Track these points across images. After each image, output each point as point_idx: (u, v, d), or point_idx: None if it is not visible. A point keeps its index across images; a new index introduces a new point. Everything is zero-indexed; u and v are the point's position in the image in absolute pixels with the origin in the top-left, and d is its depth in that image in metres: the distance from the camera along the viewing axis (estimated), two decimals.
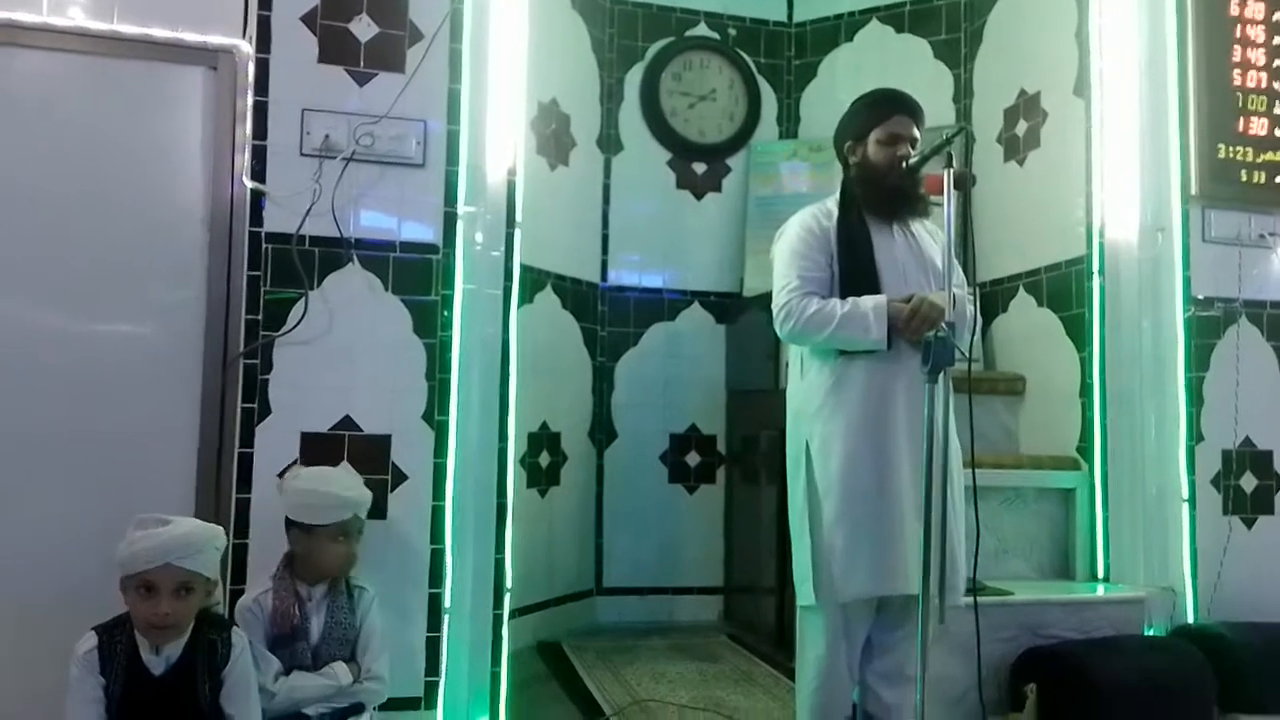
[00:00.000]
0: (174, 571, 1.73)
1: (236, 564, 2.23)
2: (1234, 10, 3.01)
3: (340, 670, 2.04)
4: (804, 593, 2.23)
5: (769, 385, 3.46)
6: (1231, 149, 2.99)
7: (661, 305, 4.03)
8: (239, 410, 2.28)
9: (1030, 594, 2.82)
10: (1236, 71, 3.01)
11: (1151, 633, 2.83)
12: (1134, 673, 2.57)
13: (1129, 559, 3.01)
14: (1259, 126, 3.02)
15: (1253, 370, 3.06)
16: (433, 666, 2.34)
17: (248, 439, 2.28)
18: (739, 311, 3.93)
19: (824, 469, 2.20)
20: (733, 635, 3.65)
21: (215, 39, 2.35)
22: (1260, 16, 3.03)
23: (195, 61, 2.39)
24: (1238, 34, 3.01)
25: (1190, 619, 2.90)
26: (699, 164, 4.14)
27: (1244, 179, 3.01)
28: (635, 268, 4.01)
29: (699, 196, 4.13)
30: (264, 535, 2.21)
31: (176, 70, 2.39)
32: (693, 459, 4.00)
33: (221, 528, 1.92)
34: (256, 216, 2.31)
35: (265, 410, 2.29)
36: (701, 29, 4.17)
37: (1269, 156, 3.03)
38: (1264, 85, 3.03)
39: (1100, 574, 3.07)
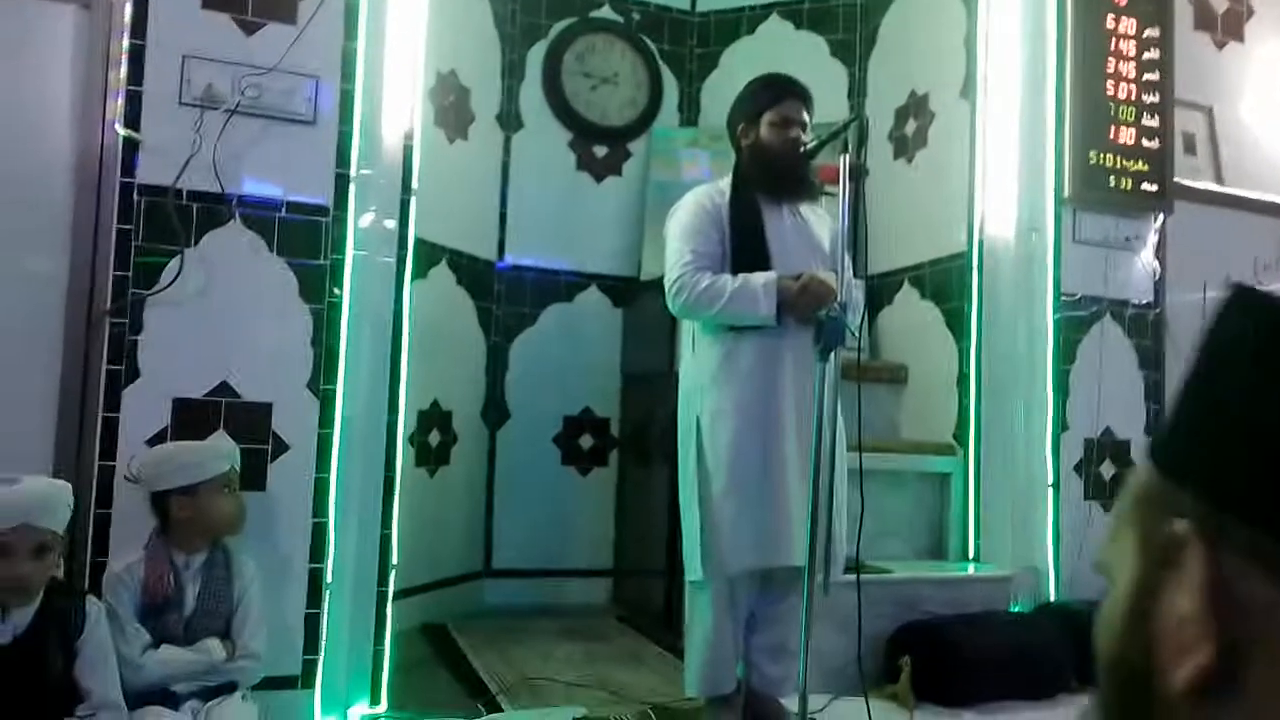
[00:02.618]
0: (30, 532, 1.62)
1: (99, 534, 2.09)
2: (1109, 25, 3.19)
3: (213, 646, 1.95)
4: (693, 567, 2.25)
5: (664, 369, 3.48)
6: (1102, 156, 3.17)
7: (558, 286, 4.00)
8: (104, 373, 2.14)
9: (907, 572, 2.93)
10: (1109, 82, 3.19)
11: (1017, 609, 2.98)
12: (1000, 647, 2.70)
13: (998, 540, 3.17)
14: (1128, 136, 3.21)
15: (1114, 365, 3.26)
16: (312, 644, 2.26)
17: (113, 403, 2.14)
18: (636, 295, 3.94)
19: (713, 444, 2.23)
20: (622, 617, 3.66)
21: None
22: (1132, 32, 3.23)
23: None
24: (1112, 47, 3.20)
25: (1052, 597, 3.07)
26: (600, 146, 4.12)
27: (1112, 184, 3.19)
28: (533, 247, 3.96)
29: (599, 179, 4.12)
30: (128, 504, 2.08)
31: (44, 8, 2.23)
32: (586, 441, 3.99)
33: (69, 484, 1.80)
34: (129, 167, 2.17)
35: (134, 373, 2.16)
36: (606, 11, 4.15)
37: (1135, 165, 3.22)
38: (1133, 97, 3.22)
39: (971, 554, 3.22)
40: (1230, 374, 0.43)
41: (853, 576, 2.27)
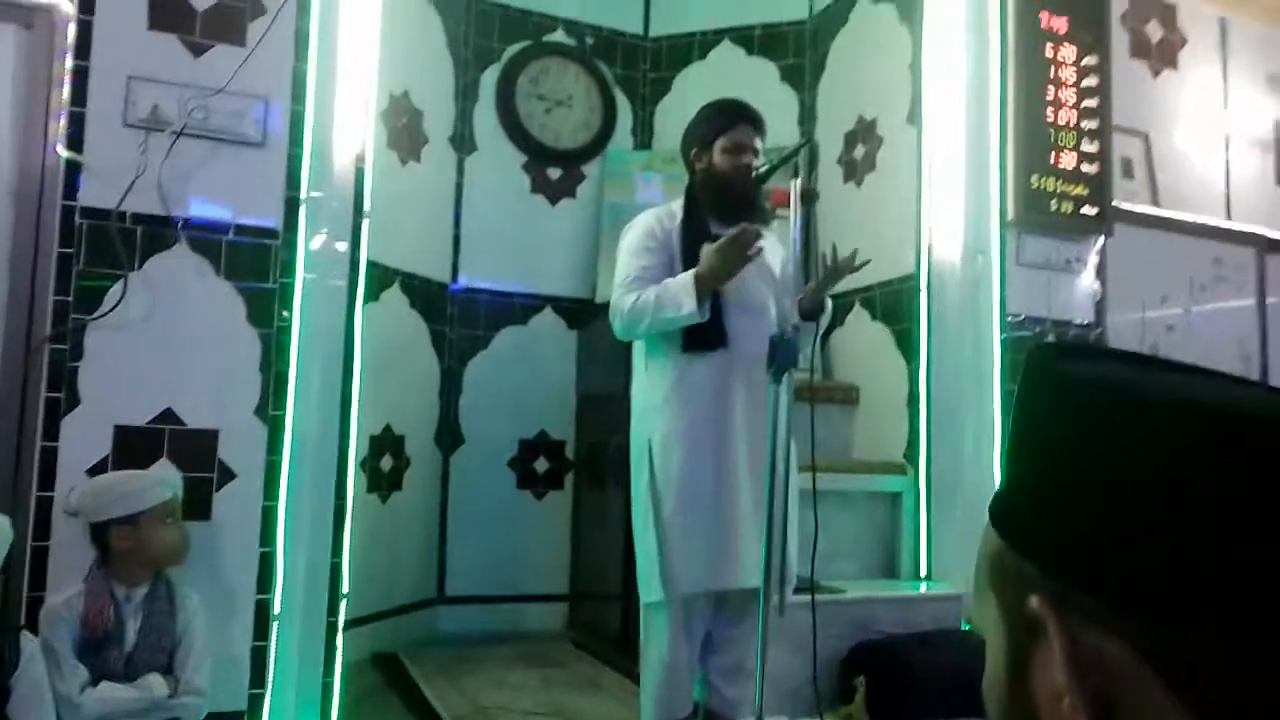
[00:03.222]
0: None
1: (36, 568, 2.03)
2: (1049, 53, 3.29)
3: (155, 682, 1.89)
4: (647, 589, 2.25)
5: (619, 391, 3.46)
6: (1044, 180, 3.26)
7: (513, 309, 3.98)
8: (42, 400, 2.08)
9: (860, 592, 2.95)
10: (1050, 109, 3.28)
11: (969, 628, 3.02)
12: (952, 666, 2.72)
13: (949, 558, 3.20)
14: (1068, 160, 3.30)
15: None
16: (258, 678, 2.21)
17: (52, 432, 2.08)
18: (591, 317, 3.94)
19: (664, 466, 2.24)
20: (578, 642, 3.63)
21: None
22: (1071, 60, 3.33)
23: (7, 19, 2.19)
24: (1051, 75, 3.29)
25: None
26: (554, 169, 4.13)
27: (1054, 208, 3.28)
28: (487, 270, 3.94)
29: (553, 201, 4.12)
30: (66, 537, 2.02)
31: None
32: (541, 465, 3.96)
33: (7, 519, 1.74)
34: (71, 190, 2.12)
35: (74, 401, 2.10)
36: (560, 35, 4.17)
37: (1075, 189, 3.31)
38: (1073, 123, 3.32)
39: (923, 573, 3.26)
40: (1043, 442, 0.42)
41: (807, 597, 2.28)
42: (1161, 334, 3.60)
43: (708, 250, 2.16)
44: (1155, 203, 3.70)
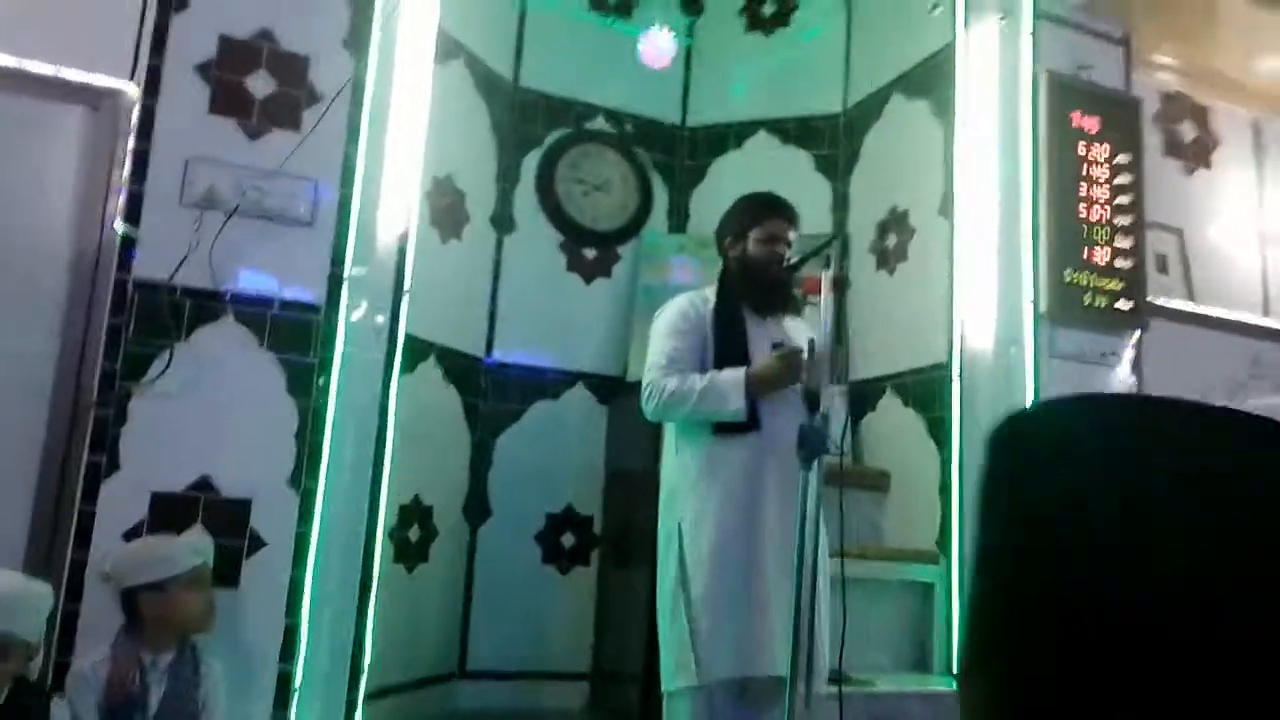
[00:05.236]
0: None
1: (65, 630, 2.05)
2: (1081, 150, 3.33)
3: None
4: (669, 676, 2.22)
5: (648, 468, 3.46)
6: (1077, 274, 3.27)
7: (545, 384, 4.02)
8: (84, 464, 2.14)
9: (891, 685, 2.88)
10: (1082, 205, 3.31)
11: None
12: None
13: None
14: (1101, 256, 3.31)
15: None
16: None
17: (91, 495, 2.13)
18: (621, 394, 3.96)
19: (694, 549, 2.23)
20: None
21: (100, 79, 2.29)
22: (1104, 158, 3.37)
23: (75, 100, 2.32)
24: (1084, 172, 3.33)
25: None
26: (590, 249, 4.21)
27: (1088, 302, 3.28)
28: (521, 345, 4.00)
29: (588, 280, 4.19)
30: (98, 599, 2.05)
31: (53, 108, 2.31)
32: (568, 540, 3.95)
33: (50, 586, 1.77)
34: (125, 262, 2.21)
35: (114, 465, 2.16)
36: (600, 123, 4.30)
37: (1109, 283, 3.31)
38: (1106, 219, 3.34)
39: (955, 667, 3.16)
40: None
41: (835, 689, 2.23)
42: None
43: (772, 360, 2.19)
44: (1191, 299, 3.69)
